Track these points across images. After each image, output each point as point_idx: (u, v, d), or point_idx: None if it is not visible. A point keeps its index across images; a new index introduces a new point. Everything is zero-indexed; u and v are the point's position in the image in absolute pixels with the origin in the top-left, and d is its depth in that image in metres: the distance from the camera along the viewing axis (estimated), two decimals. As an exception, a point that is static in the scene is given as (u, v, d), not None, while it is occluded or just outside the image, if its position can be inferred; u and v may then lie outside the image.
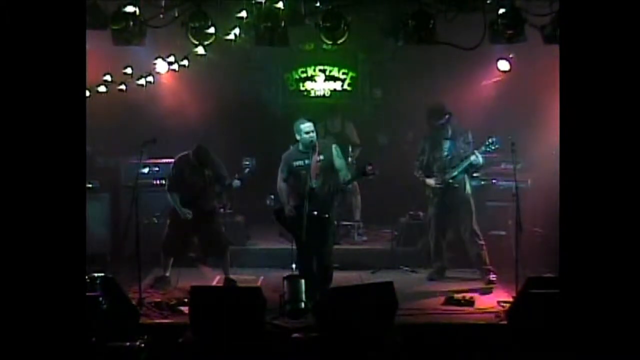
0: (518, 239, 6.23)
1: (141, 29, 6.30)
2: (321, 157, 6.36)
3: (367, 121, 9.51)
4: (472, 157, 6.91)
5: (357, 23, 6.50)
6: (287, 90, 10.12)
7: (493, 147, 6.84)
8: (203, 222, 7.05)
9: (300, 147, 6.39)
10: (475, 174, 7.27)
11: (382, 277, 7.19)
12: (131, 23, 6.17)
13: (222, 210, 8.17)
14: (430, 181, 7.19)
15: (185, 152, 7.09)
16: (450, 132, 7.16)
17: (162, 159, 8.26)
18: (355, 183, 8.02)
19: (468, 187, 7.17)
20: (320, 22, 6.24)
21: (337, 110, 9.08)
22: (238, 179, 7.04)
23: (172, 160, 7.28)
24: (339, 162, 6.41)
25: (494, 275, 6.96)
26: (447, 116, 7.09)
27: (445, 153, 7.15)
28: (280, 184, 6.56)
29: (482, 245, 7.09)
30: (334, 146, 6.46)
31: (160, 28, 6.33)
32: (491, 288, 6.88)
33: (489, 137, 6.81)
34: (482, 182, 7.86)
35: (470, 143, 7.11)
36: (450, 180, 7.05)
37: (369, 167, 6.17)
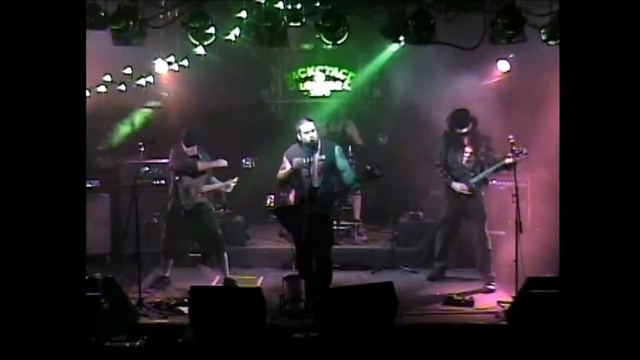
0: (518, 239, 6.23)
1: (141, 29, 6.30)
2: (323, 156, 6.35)
3: (367, 121, 9.50)
4: (507, 160, 6.72)
5: (357, 23, 6.50)
6: (287, 90, 10.11)
7: (523, 154, 6.62)
8: (200, 224, 7.06)
9: (303, 146, 6.38)
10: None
11: (382, 277, 7.19)
12: (131, 23, 6.17)
13: (222, 210, 8.18)
14: (457, 186, 7.08)
15: (177, 145, 7.14)
16: (471, 140, 7.07)
17: (162, 159, 8.26)
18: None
19: (483, 193, 7.15)
20: (320, 22, 6.25)
21: (340, 113, 9.09)
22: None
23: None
24: (341, 162, 6.40)
25: (493, 285, 6.96)
26: (470, 125, 7.01)
27: (465, 160, 7.08)
28: (280, 172, 6.49)
29: (490, 251, 7.08)
30: (337, 147, 6.45)
31: (160, 28, 6.33)
32: (493, 290, 6.90)
33: (508, 138, 6.61)
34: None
35: (491, 150, 7.04)
36: (474, 186, 7.02)
37: (377, 169, 6.15)
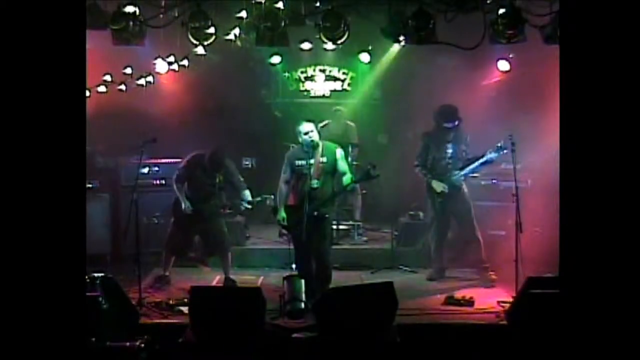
0: (518, 239, 6.23)
1: (141, 29, 6.30)
2: (324, 158, 6.37)
3: (367, 121, 9.51)
4: (489, 156, 6.84)
5: (357, 23, 6.50)
6: (287, 90, 10.11)
7: (503, 150, 6.72)
8: (206, 222, 7.07)
9: (304, 146, 6.39)
10: (475, 174, 7.28)
11: (382, 277, 7.19)
12: (131, 23, 6.17)
13: (222, 210, 8.17)
14: (438, 186, 7.12)
15: (201, 152, 7.04)
16: (455, 136, 7.13)
17: (162, 159, 8.26)
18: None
19: (465, 188, 7.20)
20: (320, 22, 6.25)
21: (340, 113, 9.11)
22: (248, 203, 7.09)
23: (174, 160, 7.28)
24: (342, 165, 6.42)
25: (492, 272, 6.98)
26: (457, 122, 7.05)
27: (448, 156, 7.14)
28: (281, 185, 6.56)
29: (480, 243, 7.11)
30: (338, 150, 6.46)
31: (160, 28, 6.33)
32: (493, 283, 6.90)
33: (508, 138, 6.64)
34: (482, 182, 7.86)
35: (469, 146, 7.13)
36: (457, 181, 7.06)
37: (373, 169, 6.17)
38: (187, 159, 7.13)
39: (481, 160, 6.97)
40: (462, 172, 7.10)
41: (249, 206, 7.13)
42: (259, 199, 7.15)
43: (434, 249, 7.42)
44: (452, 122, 7.05)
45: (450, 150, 7.14)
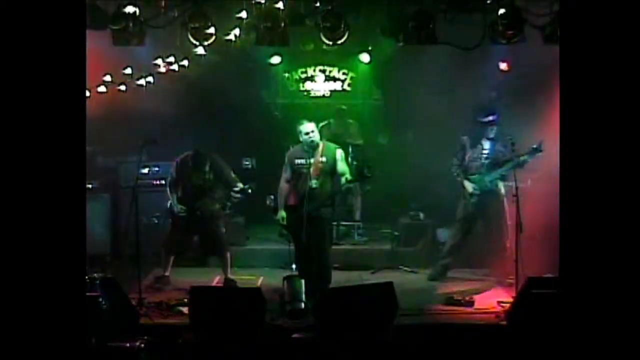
0: (518, 239, 6.23)
1: (141, 29, 6.31)
2: (324, 159, 6.38)
3: (367, 121, 9.50)
4: (523, 157, 6.75)
5: (357, 23, 6.50)
6: (287, 90, 10.11)
7: (538, 152, 6.69)
8: (203, 222, 7.08)
9: (304, 146, 6.40)
10: None
11: (382, 277, 7.19)
12: (131, 23, 6.17)
13: (221, 210, 8.17)
14: (469, 186, 7.10)
15: (188, 153, 7.14)
16: (494, 133, 7.07)
17: (162, 159, 8.25)
18: (356, 183, 8.00)
19: (502, 189, 7.15)
20: (320, 22, 6.25)
21: (342, 113, 9.11)
22: (237, 192, 7.02)
23: (173, 160, 7.29)
24: (342, 166, 6.43)
25: (511, 278, 6.96)
26: (495, 115, 6.98)
27: (484, 156, 7.09)
28: (282, 184, 6.58)
29: (506, 248, 7.05)
30: (339, 150, 6.47)
31: (160, 28, 6.33)
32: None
33: (508, 138, 6.71)
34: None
35: (508, 147, 6.99)
36: (489, 183, 7.05)
37: (367, 170, 6.17)
38: (175, 161, 7.21)
39: (514, 162, 6.81)
40: (495, 174, 7.05)
41: (238, 195, 7.00)
42: (248, 186, 7.02)
43: (450, 247, 7.37)
44: (491, 116, 6.98)
45: (486, 151, 7.08)
